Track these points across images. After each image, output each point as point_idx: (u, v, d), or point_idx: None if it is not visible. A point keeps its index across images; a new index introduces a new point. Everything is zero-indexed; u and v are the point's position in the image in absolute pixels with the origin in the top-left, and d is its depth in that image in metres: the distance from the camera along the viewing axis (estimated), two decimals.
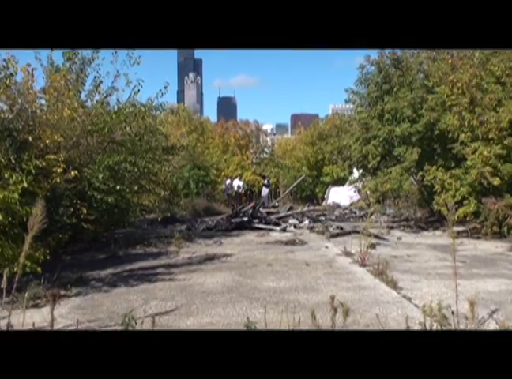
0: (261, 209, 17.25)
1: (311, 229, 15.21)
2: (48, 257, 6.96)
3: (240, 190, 26.46)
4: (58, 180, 8.03)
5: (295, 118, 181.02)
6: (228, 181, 26.92)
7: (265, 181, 28.31)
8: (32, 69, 8.32)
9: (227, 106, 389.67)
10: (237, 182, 26.43)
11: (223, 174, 30.80)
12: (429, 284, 7.14)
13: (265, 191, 26.80)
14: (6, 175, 6.88)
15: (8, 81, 7.93)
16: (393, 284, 6.94)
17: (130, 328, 4.11)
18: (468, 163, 12.44)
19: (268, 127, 67.57)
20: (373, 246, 9.75)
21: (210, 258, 9.84)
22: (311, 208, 21.59)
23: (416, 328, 4.23)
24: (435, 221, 15.37)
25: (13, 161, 7.23)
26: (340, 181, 28.27)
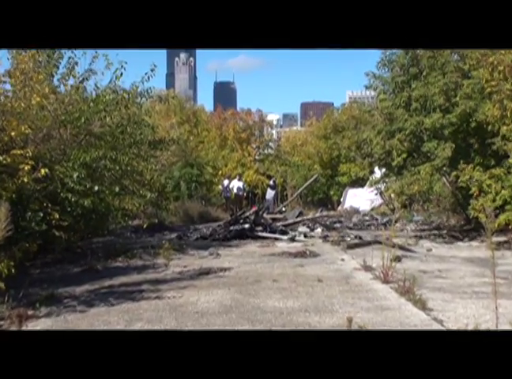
0: (265, 215, 17.26)
1: (325, 238, 15.21)
2: (13, 271, 6.92)
3: (240, 192, 26.41)
4: (26, 179, 8.01)
5: (306, 107, 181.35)
6: (226, 182, 26.88)
7: (270, 182, 28.35)
8: None
9: (225, 93, 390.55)
10: (237, 183, 26.34)
11: (220, 173, 30.88)
12: (464, 305, 7.13)
13: (270, 193, 26.84)
14: None
15: None
16: (421, 304, 6.92)
17: None
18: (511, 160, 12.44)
19: (273, 118, 67.73)
20: (398, 259, 9.78)
21: (205, 272, 9.84)
22: (325, 213, 21.72)
23: None
24: (472, 230, 15.37)
25: None
26: (358, 182, 28.37)
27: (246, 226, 15.66)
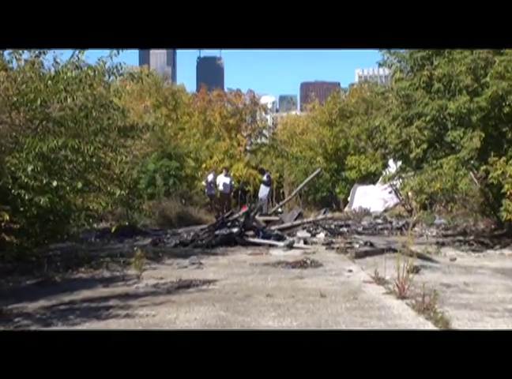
0: (257, 217, 17.24)
1: (329, 245, 15.23)
2: None
3: (228, 190, 26.45)
4: None
5: (307, 88, 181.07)
6: (211, 177, 26.83)
7: (264, 178, 28.07)
8: None
9: (210, 70, 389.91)
10: (223, 178, 26.37)
11: (204, 166, 31.02)
12: (495, 324, 7.11)
13: (263, 191, 26.58)
14: None
15: None
16: (443, 324, 6.92)
17: None
18: None
19: (268, 100, 67.66)
20: (416, 270, 9.78)
21: (185, 286, 9.85)
22: (329, 215, 21.53)
23: None
24: (504, 235, 15.44)
25: None
26: (369, 178, 28.55)
27: (235, 230, 15.64)
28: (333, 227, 18.76)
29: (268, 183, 26.74)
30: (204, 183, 27.11)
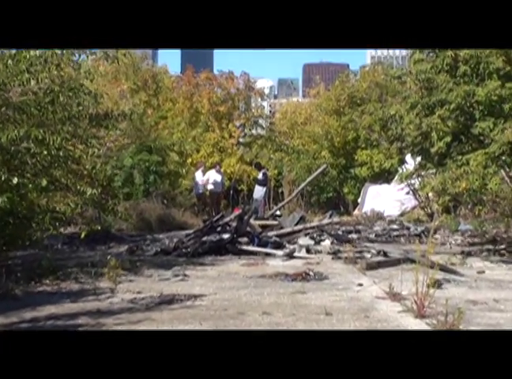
0: (252, 221, 17.19)
1: (335, 255, 15.21)
2: None
3: (219, 189, 26.39)
4: None
5: (310, 71, 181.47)
6: (199, 174, 26.79)
7: (260, 175, 27.96)
8: None
9: (197, 50, 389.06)
10: (214, 175, 26.39)
11: (190, 161, 31.18)
12: None
13: (258, 191, 26.68)
14: None
15: None
16: None
17: None
18: None
19: (265, 84, 67.87)
20: (438, 285, 9.77)
21: (167, 301, 9.83)
22: (336, 219, 21.35)
23: None
24: None
25: None
26: (383, 177, 28.48)
27: (226, 236, 15.60)
28: (340, 233, 18.66)
29: (264, 182, 26.66)
30: (196, 181, 27.12)
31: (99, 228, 15.99)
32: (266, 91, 60.66)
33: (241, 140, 36.68)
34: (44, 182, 11.55)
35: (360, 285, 11.31)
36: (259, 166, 28.56)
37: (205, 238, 15.60)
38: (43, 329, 6.10)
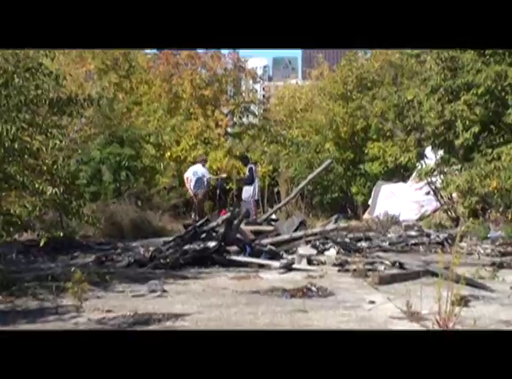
0: (243, 226, 16.80)
1: (342, 266, 14.65)
2: None
3: (201, 188, 25.40)
4: None
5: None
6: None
7: (247, 171, 26.63)
8: None
9: None
10: (201, 170, 25.52)
11: (168, 154, 31.24)
12: None
13: (247, 190, 25.73)
14: None
15: None
16: None
17: None
18: None
19: (258, 64, 68.22)
20: (464, 302, 9.30)
21: (142, 322, 9.26)
22: (342, 224, 21.07)
23: None
24: None
25: None
26: (399, 174, 28.53)
27: (212, 244, 15.09)
28: (347, 240, 18.09)
29: (250, 180, 25.60)
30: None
31: (62, 234, 15.77)
32: (259, 71, 61.28)
33: (229, 130, 36.38)
34: None
35: (372, 302, 10.79)
36: (246, 161, 27.61)
37: (187, 247, 15.12)
38: (42, 329, 7.20)
